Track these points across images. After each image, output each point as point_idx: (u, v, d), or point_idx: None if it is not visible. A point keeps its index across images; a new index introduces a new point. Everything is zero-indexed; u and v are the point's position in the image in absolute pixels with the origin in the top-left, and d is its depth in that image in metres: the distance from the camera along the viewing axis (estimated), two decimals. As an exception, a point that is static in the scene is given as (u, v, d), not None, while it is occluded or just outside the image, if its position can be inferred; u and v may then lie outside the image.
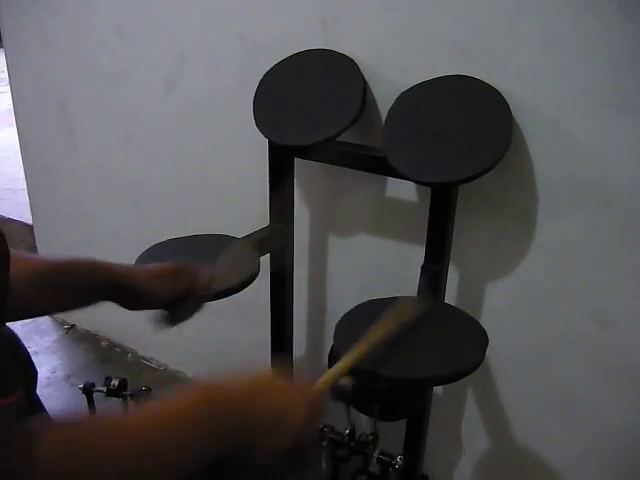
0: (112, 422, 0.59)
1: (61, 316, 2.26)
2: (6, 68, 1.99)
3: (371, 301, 1.13)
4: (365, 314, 1.10)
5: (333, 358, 1.39)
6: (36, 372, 0.96)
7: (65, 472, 0.53)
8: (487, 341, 1.00)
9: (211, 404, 0.63)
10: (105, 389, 1.30)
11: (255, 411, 0.65)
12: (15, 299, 0.62)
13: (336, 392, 1.02)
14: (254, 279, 1.19)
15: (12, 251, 0.57)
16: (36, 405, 0.93)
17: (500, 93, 1.14)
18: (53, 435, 0.53)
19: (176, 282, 0.94)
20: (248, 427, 0.65)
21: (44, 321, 2.25)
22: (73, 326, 2.23)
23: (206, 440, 0.61)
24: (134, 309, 0.93)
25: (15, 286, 0.64)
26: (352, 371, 0.96)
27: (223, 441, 0.63)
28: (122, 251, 1.18)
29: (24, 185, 2.14)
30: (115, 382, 1.30)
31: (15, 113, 2.04)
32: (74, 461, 0.53)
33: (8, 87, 2.04)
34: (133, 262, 1.24)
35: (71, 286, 0.86)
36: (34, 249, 2.20)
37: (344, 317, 1.08)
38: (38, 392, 0.95)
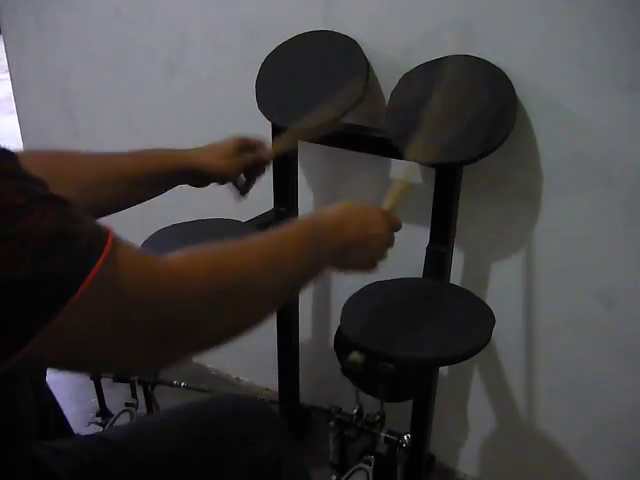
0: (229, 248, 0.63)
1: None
2: (4, 55, 1.98)
3: (378, 282, 1.13)
4: (372, 295, 1.11)
5: (339, 340, 1.40)
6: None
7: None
8: (494, 321, 1.00)
9: (312, 231, 0.73)
10: (113, 375, 1.31)
11: (345, 235, 0.77)
12: (88, 201, 0.67)
13: (347, 367, 1.04)
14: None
15: (71, 151, 0.65)
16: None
17: (504, 73, 1.14)
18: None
19: (241, 158, 1.07)
20: (341, 248, 0.77)
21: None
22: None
23: (309, 261, 0.71)
24: (204, 186, 1.06)
25: (85, 186, 0.70)
26: (362, 349, 0.97)
27: (322, 261, 0.74)
28: (125, 237, 1.18)
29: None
30: (123, 368, 1.30)
31: (15, 100, 2.04)
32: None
33: (6, 74, 2.03)
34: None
35: (145, 179, 0.94)
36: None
37: (351, 298, 1.09)
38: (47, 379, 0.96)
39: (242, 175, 1.11)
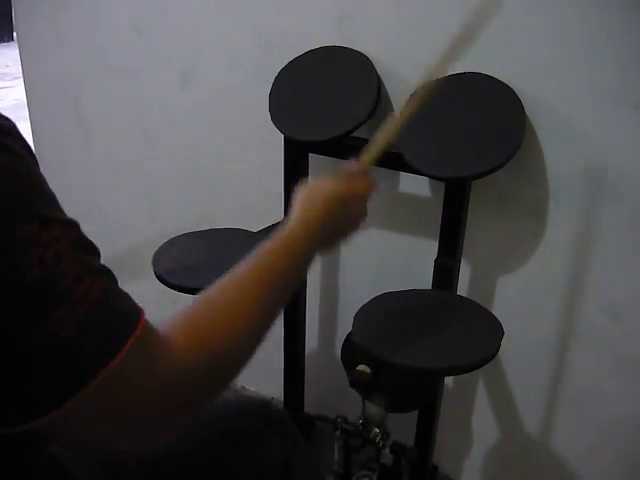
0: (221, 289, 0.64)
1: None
2: (13, 63, 2.00)
3: (388, 293, 1.15)
4: (382, 306, 1.13)
5: (347, 351, 1.42)
6: None
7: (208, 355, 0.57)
8: (502, 332, 1.02)
9: (304, 239, 0.74)
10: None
11: (331, 224, 0.79)
12: None
13: (354, 378, 1.05)
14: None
15: None
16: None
17: (513, 90, 1.16)
18: (177, 336, 0.56)
19: None
20: (331, 236, 0.81)
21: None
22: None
23: (307, 261, 0.75)
24: None
25: None
26: (371, 358, 0.98)
27: (318, 252, 0.78)
28: (136, 246, 1.20)
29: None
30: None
31: (29, 108, 2.06)
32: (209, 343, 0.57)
33: (14, 81, 2.05)
34: (147, 258, 1.27)
35: None
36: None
37: (362, 309, 1.11)
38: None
39: None
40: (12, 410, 0.48)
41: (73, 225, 0.51)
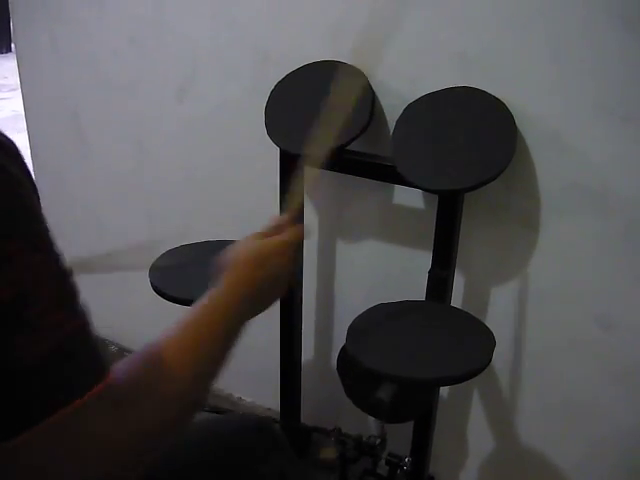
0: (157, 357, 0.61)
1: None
2: (11, 74, 2.02)
3: (382, 304, 1.16)
4: (377, 317, 1.14)
5: (343, 361, 1.43)
6: None
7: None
8: (494, 343, 1.03)
9: (232, 304, 0.72)
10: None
11: (258, 285, 0.76)
12: None
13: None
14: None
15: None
16: None
17: (505, 104, 1.18)
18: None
19: None
20: (260, 297, 0.77)
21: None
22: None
23: (237, 327, 0.72)
24: None
25: None
26: (366, 369, 0.99)
27: (248, 316, 0.74)
28: (133, 258, 1.22)
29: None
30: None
31: (26, 120, 2.07)
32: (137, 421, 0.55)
33: (11, 93, 2.07)
34: (145, 268, 1.28)
35: None
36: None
37: (356, 320, 1.12)
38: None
39: None
40: None
41: (60, 259, 0.50)
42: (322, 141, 0.86)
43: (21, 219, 0.48)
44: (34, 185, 0.52)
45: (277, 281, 0.80)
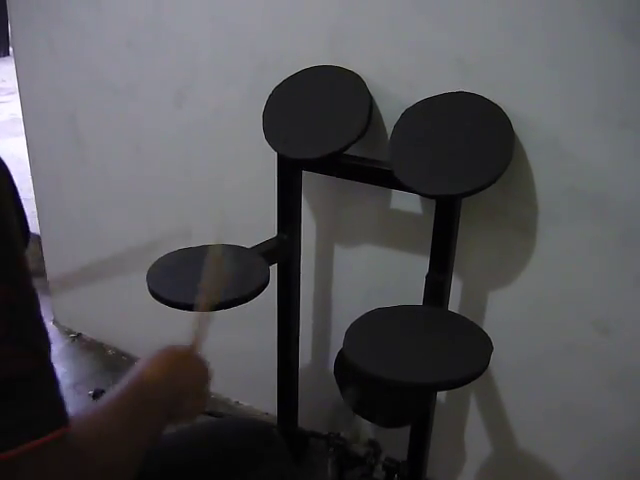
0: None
1: (67, 325, 2.29)
2: (9, 78, 2.02)
3: (380, 309, 1.16)
4: (374, 322, 1.14)
5: (340, 366, 1.43)
6: None
7: None
8: (492, 347, 1.03)
9: (145, 400, 0.71)
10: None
11: (175, 389, 0.77)
12: None
13: (347, 393, 1.05)
14: (264, 288, 1.23)
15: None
16: None
17: (502, 109, 1.19)
18: None
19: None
20: (175, 402, 0.77)
21: (49, 330, 2.27)
22: (79, 335, 2.26)
23: (148, 425, 0.71)
24: None
25: None
26: (363, 373, 0.99)
27: (161, 420, 0.74)
28: (131, 262, 1.22)
29: (28, 195, 2.15)
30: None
31: (24, 124, 2.07)
32: None
33: (10, 97, 2.07)
34: (142, 272, 1.28)
35: None
36: (41, 260, 2.23)
37: (354, 324, 1.12)
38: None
39: None
40: None
41: (25, 290, 0.48)
42: (210, 291, 0.88)
43: None
44: (19, 202, 0.52)
45: (195, 387, 0.81)
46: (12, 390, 0.46)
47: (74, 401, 1.93)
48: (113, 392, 0.69)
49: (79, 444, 0.55)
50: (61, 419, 0.51)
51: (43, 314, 0.53)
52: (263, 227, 1.49)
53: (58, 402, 0.50)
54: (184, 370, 0.80)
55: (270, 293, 1.43)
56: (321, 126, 1.32)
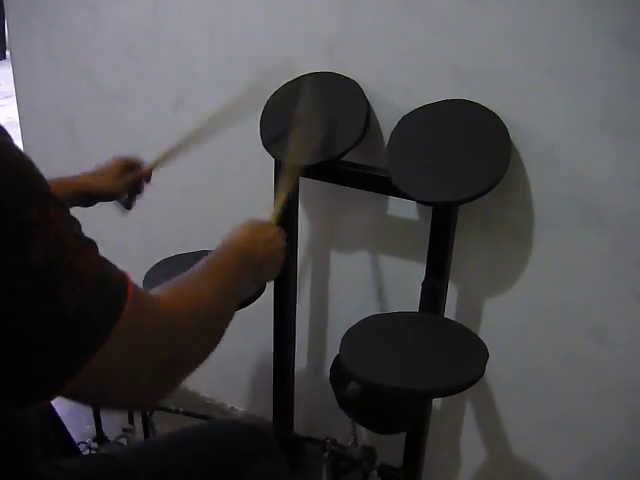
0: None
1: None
2: (5, 81, 2.02)
3: (376, 315, 1.16)
4: (370, 328, 1.14)
5: (336, 371, 1.43)
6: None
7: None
8: (487, 355, 1.03)
9: (241, 257, 0.83)
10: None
11: (260, 254, 0.87)
12: None
13: (344, 396, 1.07)
14: (261, 294, 1.23)
15: None
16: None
17: (499, 117, 1.19)
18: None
19: (124, 178, 1.22)
20: (260, 264, 0.87)
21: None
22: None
23: (244, 281, 0.82)
24: (90, 206, 1.19)
25: None
26: (358, 379, 1.00)
27: (250, 278, 0.85)
28: (127, 268, 1.21)
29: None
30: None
31: (21, 128, 2.07)
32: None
33: (6, 100, 2.07)
34: (140, 278, 1.28)
35: None
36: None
37: (350, 330, 1.12)
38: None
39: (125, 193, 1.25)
40: (45, 371, 0.51)
41: (63, 203, 0.55)
42: (299, 149, 1.04)
43: (33, 184, 0.52)
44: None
45: (272, 252, 0.91)
46: (97, 282, 0.54)
47: (71, 404, 1.93)
48: (207, 257, 0.78)
49: (167, 301, 0.64)
50: (125, 274, 0.59)
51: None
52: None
53: (121, 275, 0.58)
54: (264, 240, 0.89)
55: (267, 298, 1.43)
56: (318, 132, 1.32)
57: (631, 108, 1.11)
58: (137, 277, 1.27)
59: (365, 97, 1.32)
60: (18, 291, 0.48)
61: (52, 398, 0.54)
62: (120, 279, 0.57)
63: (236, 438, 0.98)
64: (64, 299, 0.50)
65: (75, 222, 0.57)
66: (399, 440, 1.41)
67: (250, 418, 1.88)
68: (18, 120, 2.07)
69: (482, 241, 1.34)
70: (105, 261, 0.57)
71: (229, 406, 1.93)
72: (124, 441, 1.40)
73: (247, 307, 1.19)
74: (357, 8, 1.31)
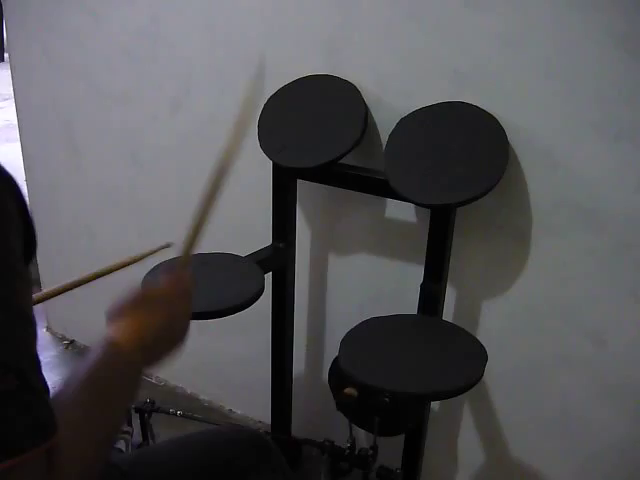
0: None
1: (60, 331, 2.28)
2: (3, 84, 2.01)
3: (374, 318, 1.16)
4: (369, 331, 1.14)
5: (334, 374, 1.43)
6: None
7: None
8: (486, 357, 1.03)
9: (125, 367, 0.66)
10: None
11: (159, 332, 0.70)
12: None
13: (342, 401, 1.06)
14: (259, 296, 1.23)
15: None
16: None
17: (497, 120, 1.19)
18: None
19: None
20: (162, 344, 0.72)
21: (43, 337, 2.27)
22: (72, 341, 2.25)
23: (132, 389, 0.67)
24: None
25: None
26: (357, 382, 0.99)
27: (137, 381, 0.68)
28: (125, 270, 1.21)
29: (25, 202, 2.16)
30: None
31: (19, 130, 2.07)
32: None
33: (5, 103, 2.06)
34: (138, 280, 1.27)
35: None
36: (35, 265, 2.23)
37: (349, 333, 1.12)
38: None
39: None
40: None
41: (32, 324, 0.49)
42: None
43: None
44: (27, 215, 0.52)
45: (172, 324, 0.74)
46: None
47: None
48: (82, 371, 0.61)
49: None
50: (46, 430, 0.50)
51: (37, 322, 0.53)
52: (258, 235, 1.49)
53: (39, 416, 0.50)
54: (154, 315, 0.71)
55: (265, 301, 1.43)
56: (316, 135, 1.33)
57: (629, 111, 1.12)
58: (135, 278, 1.28)
59: (363, 100, 1.32)
60: None
61: None
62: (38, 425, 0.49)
63: (237, 447, 0.98)
64: None
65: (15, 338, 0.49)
66: (398, 442, 1.41)
67: (248, 422, 1.88)
68: (17, 122, 2.07)
69: (480, 243, 1.34)
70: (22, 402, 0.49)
71: (227, 409, 1.93)
72: (122, 444, 1.40)
73: (245, 310, 1.19)
74: (355, 11, 1.31)
